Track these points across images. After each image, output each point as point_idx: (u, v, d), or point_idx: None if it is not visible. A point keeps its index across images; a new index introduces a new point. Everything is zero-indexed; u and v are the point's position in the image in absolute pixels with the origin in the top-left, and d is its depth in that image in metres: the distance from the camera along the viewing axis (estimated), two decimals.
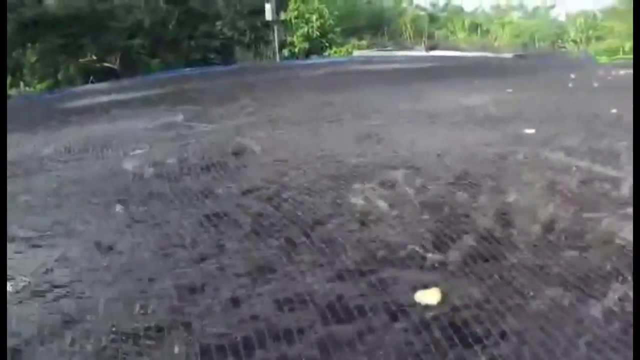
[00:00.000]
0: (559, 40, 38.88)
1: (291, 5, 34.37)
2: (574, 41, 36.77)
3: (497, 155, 8.02)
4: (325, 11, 34.53)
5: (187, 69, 28.48)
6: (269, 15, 32.07)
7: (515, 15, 42.81)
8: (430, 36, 39.99)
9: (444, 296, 4.06)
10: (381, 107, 12.41)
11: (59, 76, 29.19)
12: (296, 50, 34.59)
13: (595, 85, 15.67)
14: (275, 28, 32.79)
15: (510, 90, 14.32)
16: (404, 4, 42.54)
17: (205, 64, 31.04)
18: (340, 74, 21.98)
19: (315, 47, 34.69)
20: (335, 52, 34.35)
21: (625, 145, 7.95)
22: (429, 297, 3.93)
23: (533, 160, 7.77)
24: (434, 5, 45.53)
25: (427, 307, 3.95)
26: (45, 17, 25.39)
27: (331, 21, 34.84)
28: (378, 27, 39.47)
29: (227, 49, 34.44)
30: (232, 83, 20.01)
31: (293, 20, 34.36)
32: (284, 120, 11.60)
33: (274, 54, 33.51)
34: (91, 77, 28.01)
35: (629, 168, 6.84)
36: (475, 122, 10.59)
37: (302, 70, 24.25)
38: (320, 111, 12.47)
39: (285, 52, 34.67)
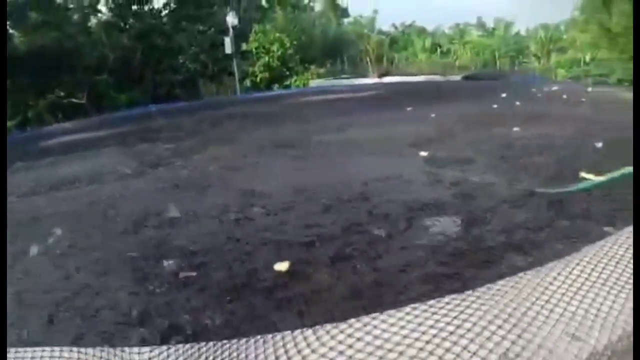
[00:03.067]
0: (520, 56, 39.95)
1: (252, 37, 35.43)
2: (535, 56, 37.78)
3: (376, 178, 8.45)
4: (286, 40, 35.42)
5: (152, 106, 28.84)
6: (228, 48, 32.87)
7: (475, 34, 43.78)
8: (391, 60, 40.94)
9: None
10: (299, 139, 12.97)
11: (29, 114, 29.73)
12: (258, 80, 35.53)
13: (517, 103, 16.55)
14: (235, 61, 33.55)
15: (433, 115, 15.08)
16: (365, 30, 43.22)
17: (170, 99, 31.78)
18: (290, 107, 22.62)
19: (277, 76, 35.58)
20: (296, 81, 35.23)
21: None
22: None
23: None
24: (396, 27, 46.63)
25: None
26: (12, 54, 25.47)
27: (291, 50, 35.76)
28: (337, 54, 40.47)
29: (191, 83, 35.40)
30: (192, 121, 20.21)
31: (254, 51, 35.43)
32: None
33: (235, 85, 34.26)
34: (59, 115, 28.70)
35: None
36: (382, 150, 11.12)
37: (257, 105, 24.71)
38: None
39: (248, 82, 35.58)
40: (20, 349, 3.03)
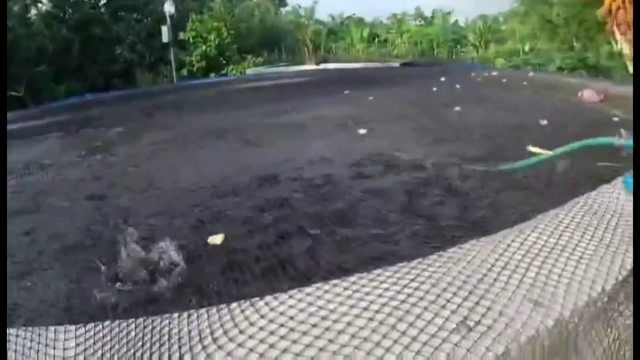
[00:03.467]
0: (458, 46, 40.23)
1: (189, 26, 34.89)
2: (473, 45, 38.05)
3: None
4: (224, 30, 35.02)
5: (89, 95, 28.44)
6: (165, 37, 32.24)
7: (413, 24, 43.95)
8: (329, 49, 40.89)
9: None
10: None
11: None
12: (194, 69, 35.04)
13: (457, 86, 16.54)
14: (171, 49, 32.97)
15: (371, 97, 14.98)
16: (303, 19, 43.05)
17: (108, 89, 31.11)
18: (226, 93, 22.32)
19: (214, 65, 35.14)
20: (233, 70, 34.79)
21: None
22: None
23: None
24: (333, 18, 46.54)
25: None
26: None
27: (229, 39, 35.36)
28: (275, 43, 40.28)
29: (128, 73, 34.69)
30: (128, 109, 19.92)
31: (191, 40, 34.90)
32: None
33: (172, 74, 33.80)
34: None
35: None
36: (319, 129, 11.14)
37: (193, 92, 24.49)
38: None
39: (184, 71, 35.04)
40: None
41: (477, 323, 2.35)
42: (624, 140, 5.44)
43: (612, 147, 5.58)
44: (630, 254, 3.06)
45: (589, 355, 2.64)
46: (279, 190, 6.81)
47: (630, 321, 2.89)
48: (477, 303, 2.50)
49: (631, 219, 3.60)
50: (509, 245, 3.16)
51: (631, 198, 3.95)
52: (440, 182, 6.43)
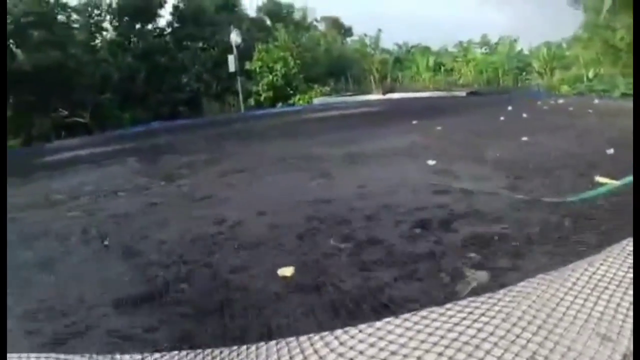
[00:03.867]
0: (523, 73, 39.83)
1: (256, 56, 35.20)
2: (538, 73, 37.59)
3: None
4: (290, 59, 35.21)
5: (155, 123, 28.98)
6: (232, 67, 32.77)
7: (479, 52, 43.66)
8: (395, 78, 40.91)
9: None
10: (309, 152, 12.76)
11: (33, 131, 29.55)
12: (261, 99, 35.32)
13: (524, 115, 16.40)
14: (239, 79, 33.42)
15: (439, 128, 14.95)
16: (369, 49, 43.15)
17: (174, 117, 31.78)
18: (293, 123, 22.50)
19: (281, 95, 35.32)
20: (299, 99, 34.96)
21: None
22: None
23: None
24: (400, 47, 46.61)
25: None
26: (16, 72, 24.86)
27: (295, 69, 35.56)
28: (342, 73, 40.48)
29: (194, 101, 35.31)
30: (195, 137, 20.21)
31: (257, 70, 35.19)
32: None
33: (239, 103, 34.21)
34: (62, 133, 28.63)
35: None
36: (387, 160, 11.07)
37: (259, 121, 24.73)
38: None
39: (252, 101, 35.40)
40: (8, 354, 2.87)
41: (546, 358, 2.40)
42: None
43: None
44: None
45: None
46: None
47: None
48: (545, 338, 2.54)
49: None
50: (578, 279, 3.19)
51: None
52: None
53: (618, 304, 2.86)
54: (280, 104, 34.37)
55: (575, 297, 2.95)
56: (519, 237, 5.26)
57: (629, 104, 17.59)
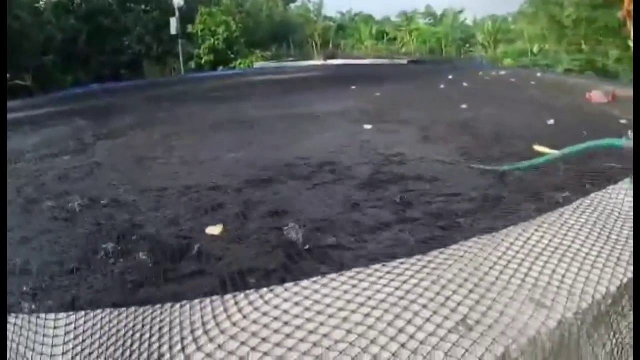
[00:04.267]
0: (466, 45, 40.12)
1: (198, 19, 34.75)
2: (482, 45, 37.89)
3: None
4: (232, 23, 34.89)
5: (95, 85, 28.28)
6: (173, 29, 32.22)
7: (422, 22, 43.80)
8: (337, 45, 40.82)
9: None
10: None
11: None
12: (202, 62, 34.89)
13: (465, 84, 16.43)
14: (180, 42, 32.97)
15: (378, 94, 14.90)
16: (312, 15, 42.96)
17: (115, 80, 31.04)
18: (233, 86, 22.22)
19: (222, 58, 34.98)
20: (240, 64, 34.63)
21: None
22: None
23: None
24: (343, 14, 46.46)
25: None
26: None
27: (237, 33, 35.21)
28: (283, 38, 40.20)
29: (135, 64, 34.69)
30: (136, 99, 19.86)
31: (199, 33, 34.75)
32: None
33: (180, 66, 33.77)
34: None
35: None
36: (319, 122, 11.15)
37: (200, 84, 24.38)
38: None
39: (192, 64, 34.93)
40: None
41: (477, 322, 2.29)
42: (632, 142, 5.38)
43: (620, 149, 5.53)
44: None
45: (592, 359, 2.56)
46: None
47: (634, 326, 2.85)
48: (477, 302, 2.44)
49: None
50: (511, 244, 3.10)
51: None
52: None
53: (553, 271, 2.76)
54: (221, 68, 33.96)
55: (509, 262, 2.86)
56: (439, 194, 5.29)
57: (572, 79, 17.77)
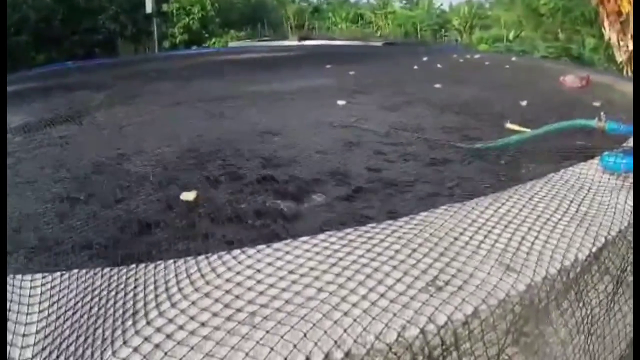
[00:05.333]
0: (442, 30, 40.19)
1: None
2: (458, 30, 38.00)
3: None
4: (207, 3, 34.77)
5: (69, 62, 27.98)
6: (149, 8, 31.93)
7: (398, 6, 43.79)
8: (312, 27, 40.74)
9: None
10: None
11: None
12: (177, 41, 34.79)
13: (439, 66, 16.43)
14: (155, 21, 32.76)
15: (352, 72, 14.87)
16: None
17: (89, 58, 30.69)
18: (207, 65, 22.07)
19: (196, 38, 34.89)
20: (215, 43, 34.50)
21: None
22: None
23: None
24: None
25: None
26: None
27: (212, 13, 35.12)
28: (258, 19, 40.05)
29: (109, 43, 34.28)
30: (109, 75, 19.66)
31: (174, 12, 34.63)
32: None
33: (154, 45, 33.46)
34: None
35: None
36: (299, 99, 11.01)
37: (174, 62, 24.19)
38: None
39: (167, 43, 34.70)
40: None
41: (447, 283, 2.33)
42: (604, 123, 5.45)
43: (592, 129, 5.61)
44: (605, 229, 3.06)
45: (561, 326, 2.64)
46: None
47: (605, 299, 2.91)
48: (447, 265, 2.49)
49: (607, 196, 3.61)
50: (482, 212, 3.15)
51: (607, 175, 3.99)
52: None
53: (523, 238, 2.82)
54: (195, 47, 33.73)
55: (479, 228, 2.92)
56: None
57: (546, 63, 17.85)
